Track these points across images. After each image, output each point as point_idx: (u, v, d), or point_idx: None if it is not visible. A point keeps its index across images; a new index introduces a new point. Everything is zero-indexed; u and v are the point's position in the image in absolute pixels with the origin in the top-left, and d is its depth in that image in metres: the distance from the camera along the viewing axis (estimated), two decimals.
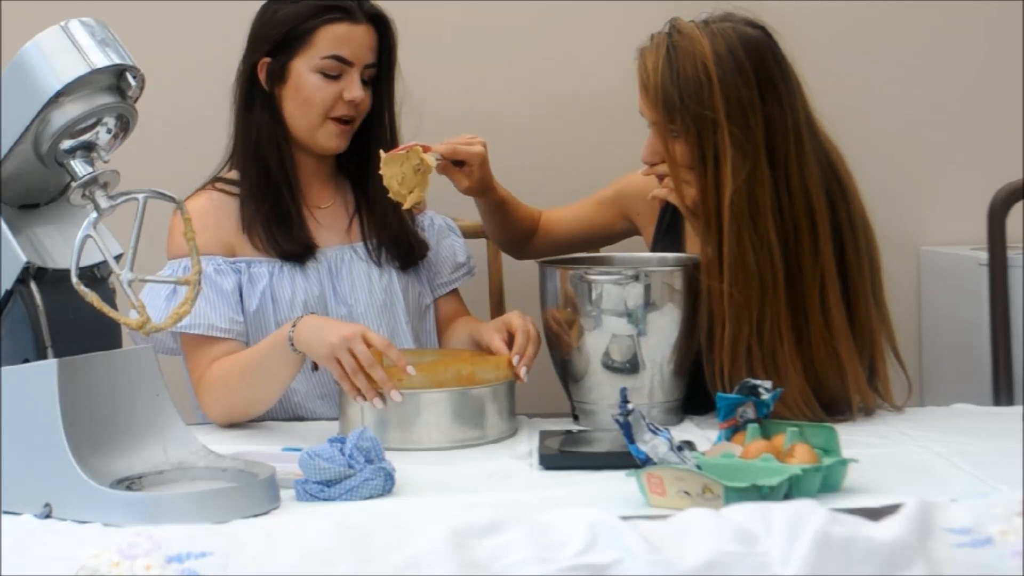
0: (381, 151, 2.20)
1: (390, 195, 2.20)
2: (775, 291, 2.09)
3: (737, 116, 2.07)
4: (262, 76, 2.30)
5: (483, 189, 2.33)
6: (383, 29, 2.32)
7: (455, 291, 2.47)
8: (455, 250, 2.45)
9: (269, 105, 2.31)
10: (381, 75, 2.33)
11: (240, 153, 2.33)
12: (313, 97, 2.28)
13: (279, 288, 2.28)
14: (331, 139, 2.31)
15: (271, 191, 2.29)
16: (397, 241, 2.36)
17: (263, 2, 2.34)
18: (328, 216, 2.36)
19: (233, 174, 2.35)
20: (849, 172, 2.21)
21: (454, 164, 2.28)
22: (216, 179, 2.35)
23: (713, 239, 2.10)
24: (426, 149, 2.21)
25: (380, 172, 2.19)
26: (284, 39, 2.28)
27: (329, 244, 2.34)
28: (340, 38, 2.27)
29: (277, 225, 2.28)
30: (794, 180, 2.11)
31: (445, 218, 2.48)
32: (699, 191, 2.11)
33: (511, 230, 2.47)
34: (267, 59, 2.29)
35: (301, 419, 2.29)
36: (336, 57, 2.27)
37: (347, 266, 2.34)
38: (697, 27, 2.11)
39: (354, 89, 2.28)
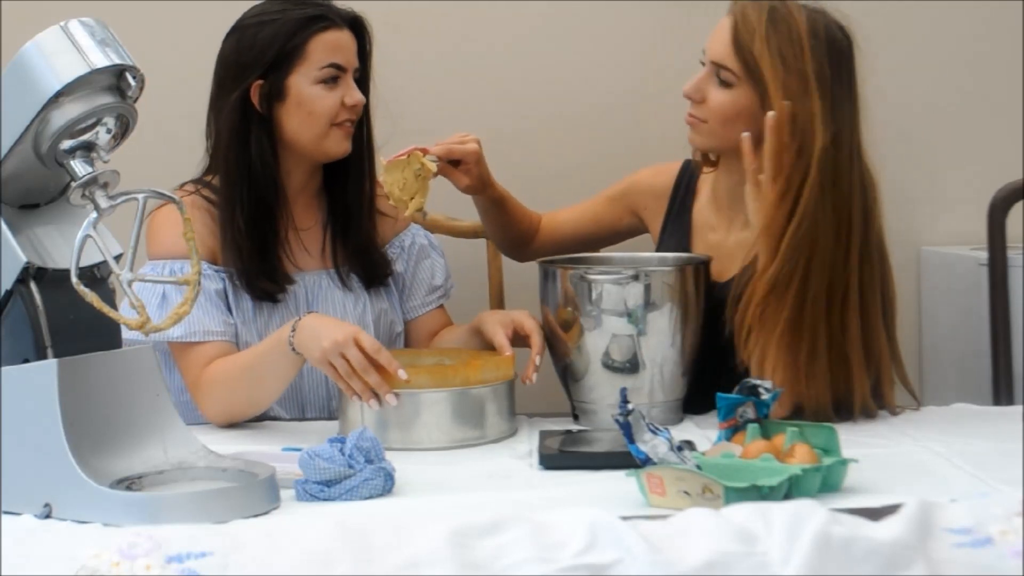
0: (381, 158, 2.20)
1: (391, 202, 2.19)
2: (830, 267, 2.11)
3: (825, 86, 2.13)
4: (255, 100, 2.27)
5: (482, 186, 2.34)
6: (361, 31, 2.33)
7: (440, 307, 2.46)
8: (433, 272, 2.44)
9: (267, 129, 2.28)
10: (360, 77, 2.33)
11: (233, 185, 2.27)
12: (318, 109, 2.26)
13: (259, 311, 2.28)
14: (339, 144, 2.30)
15: (260, 222, 2.27)
16: (361, 255, 2.35)
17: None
18: (308, 238, 2.36)
19: (210, 179, 2.33)
20: (877, 199, 2.22)
21: (451, 164, 2.29)
22: (198, 182, 2.33)
23: (791, 196, 2.11)
24: (424, 152, 2.21)
25: (381, 180, 2.19)
26: (276, 58, 2.25)
27: (308, 268, 2.34)
28: (332, 45, 2.27)
29: (258, 261, 2.26)
30: (843, 182, 2.13)
31: (428, 235, 2.48)
32: (781, 144, 2.12)
33: (511, 229, 2.47)
34: (259, 81, 2.26)
35: (303, 417, 2.30)
36: (333, 65, 2.26)
37: (324, 292, 2.34)
38: (798, 7, 2.18)
39: (354, 93, 2.28)
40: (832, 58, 2.16)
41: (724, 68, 2.21)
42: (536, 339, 2.15)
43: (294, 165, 2.32)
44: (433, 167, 2.20)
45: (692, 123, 2.28)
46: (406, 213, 2.21)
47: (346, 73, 2.28)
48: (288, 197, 2.32)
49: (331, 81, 2.27)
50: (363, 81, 2.34)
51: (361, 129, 2.34)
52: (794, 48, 2.14)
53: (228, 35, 2.31)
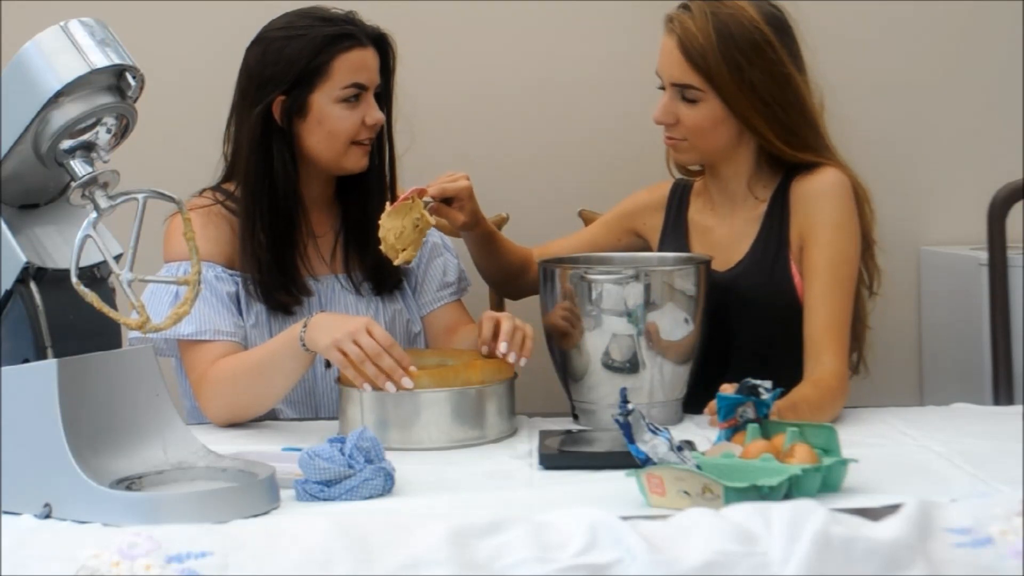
0: (388, 203, 2.20)
1: (381, 247, 2.18)
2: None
3: (799, 63, 2.28)
4: (277, 114, 2.27)
5: (475, 221, 2.34)
6: (385, 48, 2.33)
7: (457, 302, 2.46)
8: (445, 269, 2.44)
9: (288, 143, 2.28)
10: (382, 93, 2.34)
11: (254, 197, 2.28)
12: (338, 128, 2.27)
13: (272, 317, 2.29)
14: (357, 161, 2.31)
15: (280, 234, 2.28)
16: (375, 265, 2.35)
17: (258, 18, 2.33)
18: (322, 244, 2.37)
19: (233, 188, 2.34)
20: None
21: (444, 203, 2.29)
22: (216, 190, 2.34)
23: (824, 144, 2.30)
24: (422, 193, 2.21)
25: (380, 223, 2.17)
26: (300, 75, 2.25)
27: (321, 273, 2.36)
28: (356, 65, 2.27)
29: (278, 273, 2.27)
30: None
31: (442, 236, 2.48)
32: (781, 127, 2.26)
33: (504, 261, 2.46)
34: (282, 96, 2.27)
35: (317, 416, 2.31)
36: (355, 84, 2.27)
37: (336, 296, 2.35)
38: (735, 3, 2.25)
39: (374, 112, 2.29)
40: (784, 35, 2.25)
41: (687, 87, 2.25)
42: (505, 323, 2.09)
43: (312, 176, 2.33)
44: (432, 220, 2.20)
45: (672, 144, 2.32)
46: (395, 262, 2.20)
47: (367, 91, 2.29)
48: (305, 206, 2.33)
49: (352, 99, 2.27)
50: (386, 96, 2.35)
51: (381, 143, 2.35)
52: (749, 47, 2.21)
53: (253, 44, 2.31)
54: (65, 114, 1.65)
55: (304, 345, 2.09)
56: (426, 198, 2.22)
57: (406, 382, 2.01)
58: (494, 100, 2.92)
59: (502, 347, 2.08)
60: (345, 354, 2.03)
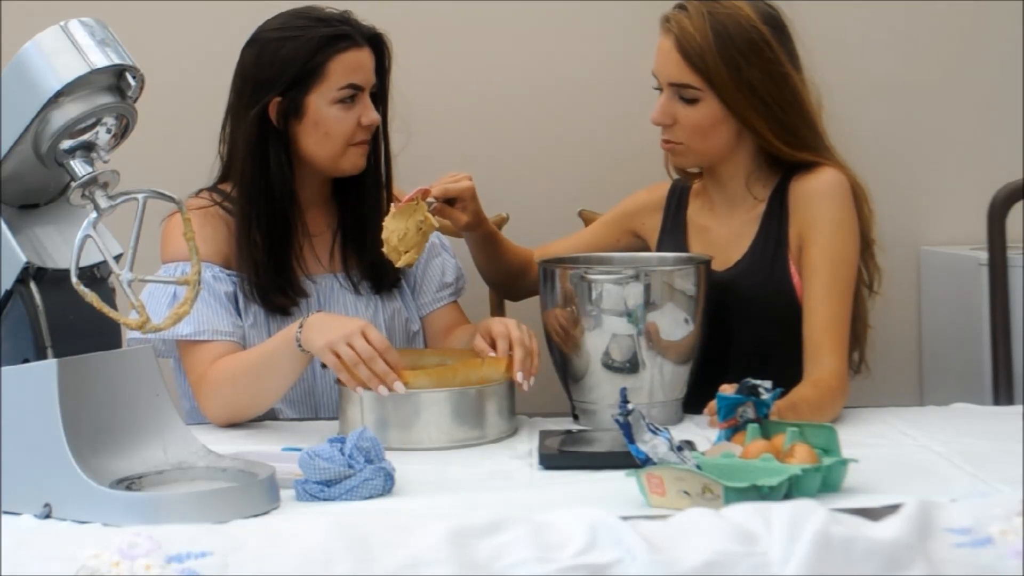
0: (392, 204, 2.20)
1: (384, 250, 2.17)
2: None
3: (795, 63, 2.27)
4: (273, 116, 2.27)
5: (478, 222, 2.34)
6: (380, 48, 2.33)
7: (453, 303, 2.46)
8: (444, 269, 2.44)
9: (284, 144, 2.28)
10: (377, 92, 2.34)
11: (250, 199, 2.27)
12: (335, 129, 2.27)
13: (270, 317, 2.29)
14: (355, 162, 2.31)
15: (277, 236, 2.28)
16: (373, 264, 2.35)
17: (254, 13, 2.33)
18: (319, 243, 2.37)
19: (229, 189, 2.33)
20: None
21: (446, 203, 2.29)
22: (213, 191, 2.34)
23: (823, 144, 2.29)
24: (425, 193, 2.21)
25: (383, 224, 2.17)
26: (296, 76, 2.25)
27: (318, 272, 2.35)
28: (352, 66, 2.27)
29: (274, 275, 2.27)
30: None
31: (440, 235, 2.47)
32: (777, 123, 2.25)
33: (505, 263, 2.46)
34: (278, 98, 2.26)
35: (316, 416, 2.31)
36: (351, 85, 2.26)
37: (335, 295, 2.35)
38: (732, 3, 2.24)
39: (370, 113, 2.29)
40: (781, 34, 2.24)
41: (685, 87, 2.24)
42: (517, 350, 2.10)
43: (308, 177, 2.33)
44: (435, 223, 2.19)
45: (670, 148, 2.30)
46: (397, 264, 2.19)
47: (363, 92, 2.29)
48: (301, 206, 2.33)
49: (348, 100, 2.27)
50: (381, 96, 2.34)
51: (376, 142, 2.35)
52: (747, 47, 2.21)
53: (248, 45, 2.30)
54: (65, 114, 1.65)
55: (300, 345, 2.09)
56: (429, 199, 2.22)
57: (398, 387, 2.01)
58: (493, 100, 2.92)
59: (519, 377, 2.09)
60: (338, 356, 2.03)
